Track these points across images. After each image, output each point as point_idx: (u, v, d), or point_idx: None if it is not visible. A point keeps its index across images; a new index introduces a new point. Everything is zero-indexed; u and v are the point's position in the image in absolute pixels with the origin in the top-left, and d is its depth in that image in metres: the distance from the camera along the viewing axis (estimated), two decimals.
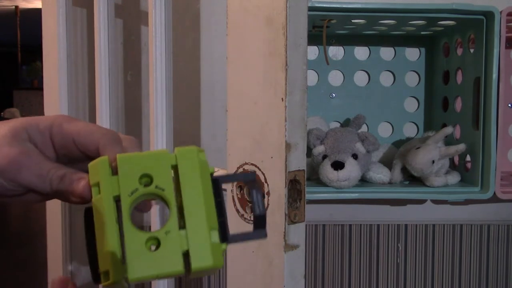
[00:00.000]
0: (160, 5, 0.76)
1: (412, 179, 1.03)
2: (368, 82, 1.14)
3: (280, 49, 0.53)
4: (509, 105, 1.12)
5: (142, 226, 1.11)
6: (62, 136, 0.40)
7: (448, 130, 0.98)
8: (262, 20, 0.55)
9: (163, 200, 0.35)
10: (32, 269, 2.83)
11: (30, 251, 3.12)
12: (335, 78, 1.14)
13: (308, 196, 0.87)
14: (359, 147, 0.96)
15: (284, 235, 0.54)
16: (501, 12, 0.90)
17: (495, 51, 0.90)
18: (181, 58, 1.10)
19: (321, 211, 1.15)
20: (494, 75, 0.90)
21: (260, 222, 0.36)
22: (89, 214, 0.35)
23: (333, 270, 1.18)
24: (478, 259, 1.19)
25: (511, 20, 0.94)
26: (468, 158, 1.01)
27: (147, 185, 0.34)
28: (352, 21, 0.96)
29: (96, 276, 0.34)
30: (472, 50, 0.98)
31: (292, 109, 0.54)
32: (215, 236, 0.34)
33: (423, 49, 1.14)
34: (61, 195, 0.39)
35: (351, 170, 0.93)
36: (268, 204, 0.56)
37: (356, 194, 0.95)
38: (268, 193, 0.56)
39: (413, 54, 1.15)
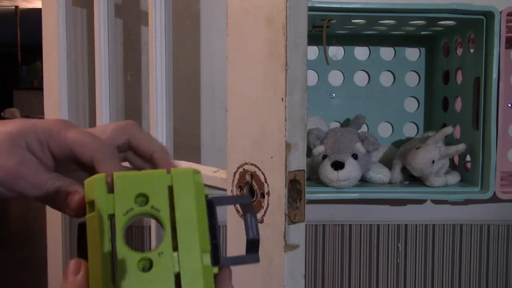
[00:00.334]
0: (160, 5, 0.76)
1: (412, 179, 1.03)
2: (368, 82, 1.14)
3: (280, 49, 0.53)
4: (509, 105, 1.12)
5: (142, 227, 1.11)
6: (60, 146, 0.40)
7: (448, 130, 0.98)
8: (262, 20, 0.55)
9: (158, 221, 0.34)
10: (32, 269, 2.82)
11: (30, 251, 3.12)
12: (335, 78, 1.14)
13: (308, 196, 0.87)
14: (359, 147, 0.96)
15: (284, 235, 0.54)
16: (501, 12, 0.90)
17: (495, 51, 0.90)
18: (181, 58, 1.10)
19: (321, 211, 1.15)
20: (494, 75, 0.90)
21: (253, 247, 0.36)
22: (82, 230, 0.35)
23: (333, 270, 1.18)
24: (478, 259, 1.19)
25: (511, 20, 0.94)
26: (468, 158, 1.01)
27: (142, 204, 0.34)
28: (352, 21, 0.96)
29: None
30: (472, 50, 0.97)
31: (292, 109, 0.54)
32: (207, 259, 0.34)
33: (423, 49, 1.14)
34: (57, 206, 0.39)
35: (351, 170, 0.93)
36: (268, 204, 0.56)
37: (356, 194, 0.95)
38: (268, 193, 0.56)
39: (413, 54, 1.15)
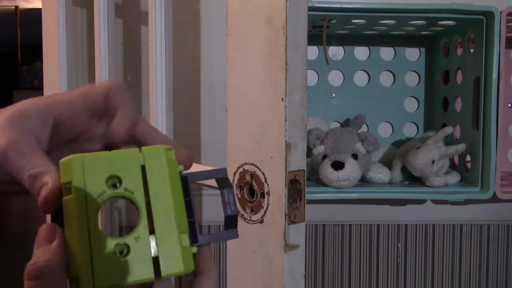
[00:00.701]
0: (160, 5, 0.76)
1: (412, 179, 1.03)
2: (368, 82, 1.14)
3: (280, 49, 0.53)
4: (509, 105, 1.12)
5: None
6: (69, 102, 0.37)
7: (448, 130, 0.98)
8: (262, 20, 0.55)
9: (133, 203, 0.33)
10: None
11: (30, 251, 3.10)
12: (335, 78, 1.14)
13: (308, 196, 0.87)
14: (359, 147, 0.96)
15: (284, 235, 0.54)
16: (501, 12, 0.90)
17: (495, 51, 0.90)
18: (181, 58, 1.10)
19: (321, 211, 1.15)
20: (494, 75, 0.90)
21: (231, 222, 0.35)
22: (58, 214, 0.33)
23: (333, 270, 1.18)
24: (478, 259, 1.19)
25: (511, 20, 0.94)
26: (468, 158, 1.01)
27: (115, 186, 0.33)
28: (352, 21, 0.96)
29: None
30: (472, 50, 0.98)
31: (292, 109, 0.54)
32: (185, 239, 0.33)
33: (423, 49, 1.14)
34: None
35: (351, 170, 0.93)
36: (268, 204, 0.56)
37: (356, 194, 0.95)
38: (268, 193, 0.56)
39: (413, 54, 1.15)
